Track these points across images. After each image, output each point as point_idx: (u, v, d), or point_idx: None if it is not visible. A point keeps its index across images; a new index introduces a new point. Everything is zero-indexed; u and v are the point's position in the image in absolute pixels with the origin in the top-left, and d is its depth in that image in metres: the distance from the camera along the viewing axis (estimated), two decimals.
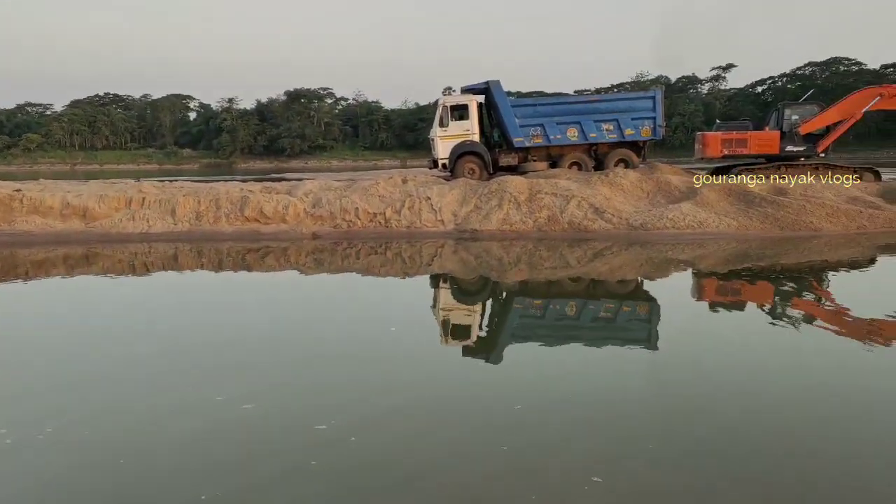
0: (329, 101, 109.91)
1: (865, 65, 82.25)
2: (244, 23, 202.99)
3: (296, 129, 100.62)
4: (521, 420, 5.78)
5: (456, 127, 21.63)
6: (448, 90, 22.52)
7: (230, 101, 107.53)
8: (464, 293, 11.97)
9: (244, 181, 24.89)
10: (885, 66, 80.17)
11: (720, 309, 10.38)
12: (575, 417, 5.81)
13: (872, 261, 13.96)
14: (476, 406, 6.17)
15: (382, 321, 9.39)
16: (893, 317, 9.07)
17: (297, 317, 9.85)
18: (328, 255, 15.19)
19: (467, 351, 8.27)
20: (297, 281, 12.72)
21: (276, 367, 7.35)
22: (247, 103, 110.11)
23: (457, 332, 9.32)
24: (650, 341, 8.71)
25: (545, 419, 5.79)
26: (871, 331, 8.56)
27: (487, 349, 8.39)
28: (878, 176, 20.42)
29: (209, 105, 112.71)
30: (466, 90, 22.31)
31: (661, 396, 6.45)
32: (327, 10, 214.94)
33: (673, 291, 11.58)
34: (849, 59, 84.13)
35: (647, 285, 12.20)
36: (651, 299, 11.11)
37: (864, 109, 20.09)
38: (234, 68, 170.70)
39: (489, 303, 11.34)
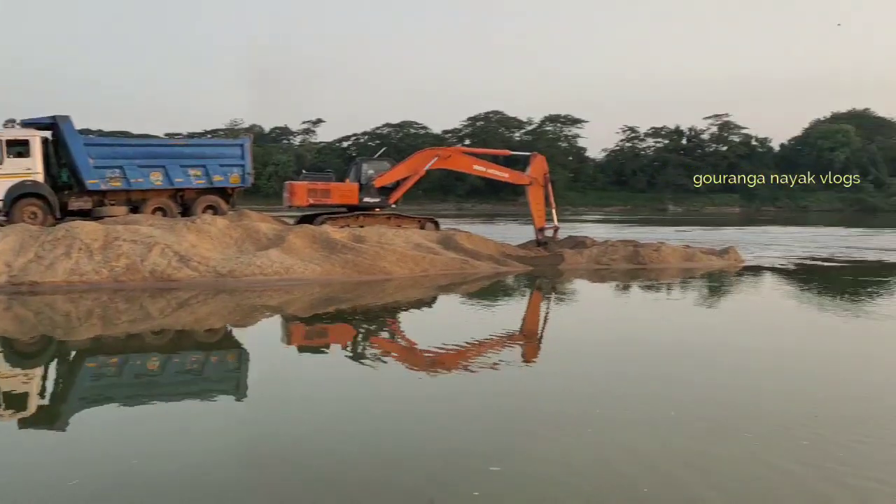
0: None
1: (431, 129, 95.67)
2: None
3: None
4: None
5: (13, 165, 18.79)
6: (10, 123, 19.19)
7: None
8: (20, 356, 10.23)
9: None
10: (446, 131, 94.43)
11: (309, 352, 10.71)
12: (144, 485, 5.28)
13: (434, 299, 15.97)
14: (28, 488, 5.21)
15: None
16: (451, 348, 10.41)
17: None
18: None
19: (24, 423, 7.04)
20: None
21: None
22: None
23: (10, 402, 7.86)
24: (239, 390, 8.56)
25: (104, 494, 5.15)
26: (434, 361, 9.70)
27: (50, 418, 7.27)
28: (437, 225, 23.58)
29: None
30: (28, 124, 19.59)
31: (252, 447, 6.27)
32: None
33: (262, 338, 11.60)
34: (417, 123, 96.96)
35: (236, 333, 12.01)
36: (239, 347, 10.98)
37: (425, 167, 23.07)
38: None
39: (53, 365, 9.89)
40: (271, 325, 12.64)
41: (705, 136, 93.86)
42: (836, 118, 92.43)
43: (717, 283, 18.50)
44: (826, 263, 23.00)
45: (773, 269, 20.90)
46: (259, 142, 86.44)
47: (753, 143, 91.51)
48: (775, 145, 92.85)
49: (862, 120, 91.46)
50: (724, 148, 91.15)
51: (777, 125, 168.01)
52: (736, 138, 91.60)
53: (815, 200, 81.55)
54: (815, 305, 15.74)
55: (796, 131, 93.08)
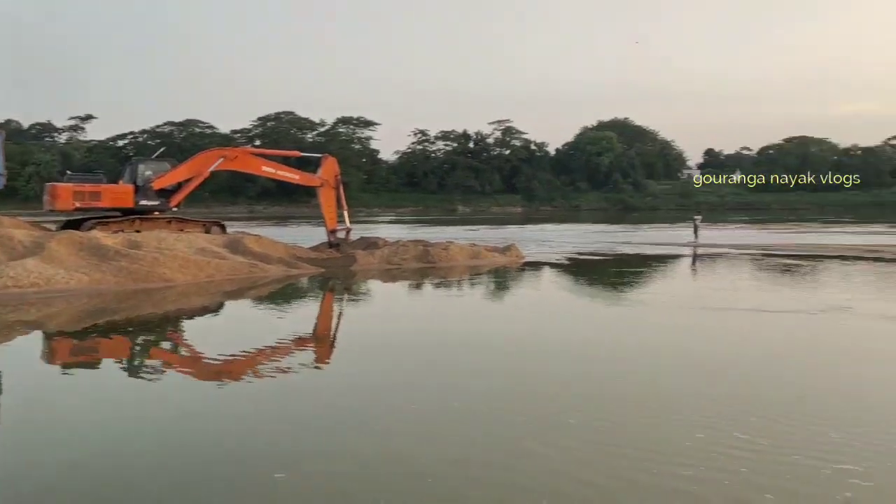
0: None
1: (218, 128, 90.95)
2: None
3: None
4: None
5: None
6: None
7: None
8: None
9: None
10: (234, 131, 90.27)
11: (75, 370, 9.70)
12: None
13: (220, 306, 15.23)
14: None
15: None
16: (242, 355, 9.98)
17: None
18: None
19: None
20: None
21: None
22: None
23: None
24: None
25: None
26: (220, 370, 9.22)
27: None
28: (223, 229, 22.53)
29: None
30: None
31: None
32: None
33: (18, 359, 10.27)
34: (203, 122, 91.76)
35: None
36: None
37: (210, 168, 21.91)
38: None
39: None
40: (28, 343, 11.25)
41: (490, 141, 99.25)
42: (602, 126, 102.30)
43: (501, 279, 19.60)
44: (594, 257, 25.33)
45: (549, 264, 22.59)
46: (16, 138, 77.28)
47: (532, 147, 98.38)
48: (551, 150, 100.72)
49: (623, 128, 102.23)
50: (507, 152, 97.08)
51: (553, 131, 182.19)
52: (517, 143, 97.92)
53: (585, 200, 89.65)
54: (586, 295, 17.28)
55: (569, 137, 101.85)
